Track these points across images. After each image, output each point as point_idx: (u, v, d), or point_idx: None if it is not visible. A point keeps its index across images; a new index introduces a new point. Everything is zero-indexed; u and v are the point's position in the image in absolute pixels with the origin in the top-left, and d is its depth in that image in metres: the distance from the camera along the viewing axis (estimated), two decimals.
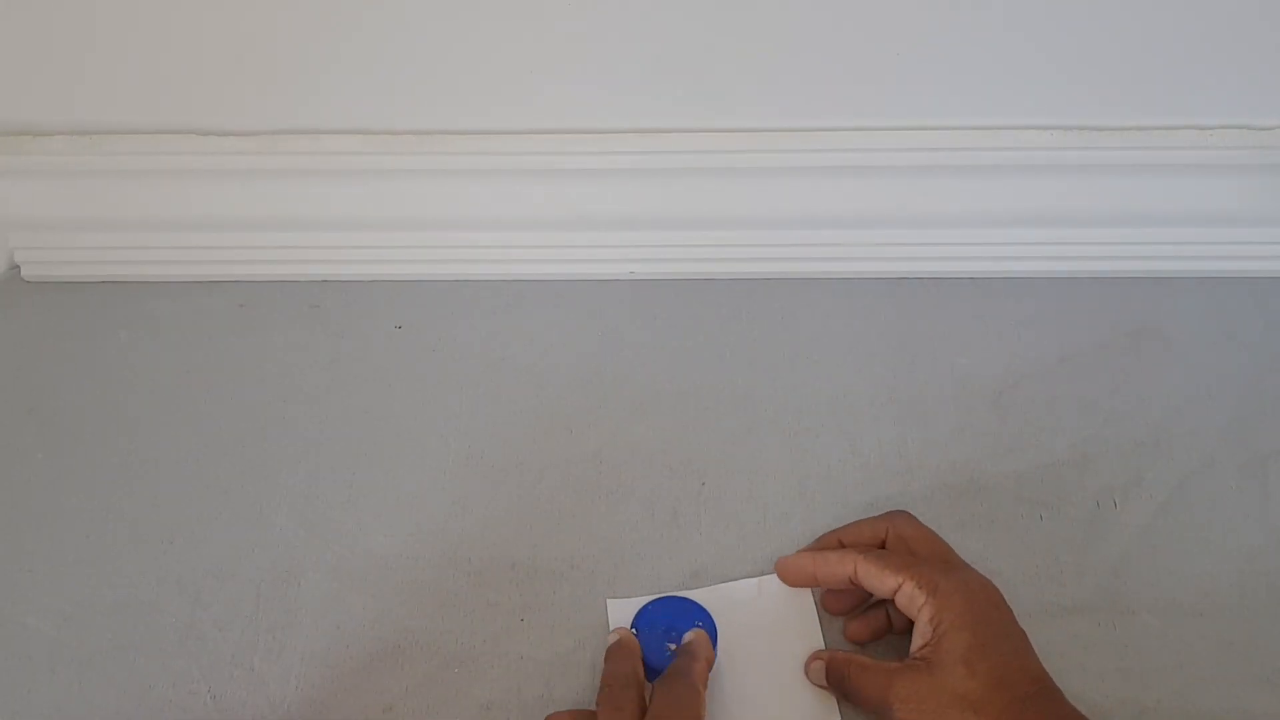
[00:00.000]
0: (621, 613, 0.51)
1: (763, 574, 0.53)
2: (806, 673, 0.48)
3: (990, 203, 0.64)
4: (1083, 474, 0.57)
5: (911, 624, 0.46)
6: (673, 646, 0.48)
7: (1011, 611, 0.45)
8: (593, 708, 0.45)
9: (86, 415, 0.61)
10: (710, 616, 0.49)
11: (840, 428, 0.59)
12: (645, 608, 0.50)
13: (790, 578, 0.51)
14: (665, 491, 0.56)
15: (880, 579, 0.46)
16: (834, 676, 0.47)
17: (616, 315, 0.65)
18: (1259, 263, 0.65)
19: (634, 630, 0.49)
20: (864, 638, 0.49)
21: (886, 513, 0.51)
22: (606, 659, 0.47)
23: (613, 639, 0.48)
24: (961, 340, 0.63)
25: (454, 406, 0.61)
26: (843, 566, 0.48)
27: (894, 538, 0.49)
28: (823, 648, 0.50)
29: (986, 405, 0.60)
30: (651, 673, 0.48)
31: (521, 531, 0.55)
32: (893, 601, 0.46)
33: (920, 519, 0.50)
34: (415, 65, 0.59)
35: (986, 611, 0.45)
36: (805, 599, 0.52)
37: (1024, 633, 0.45)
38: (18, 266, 0.68)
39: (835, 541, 0.51)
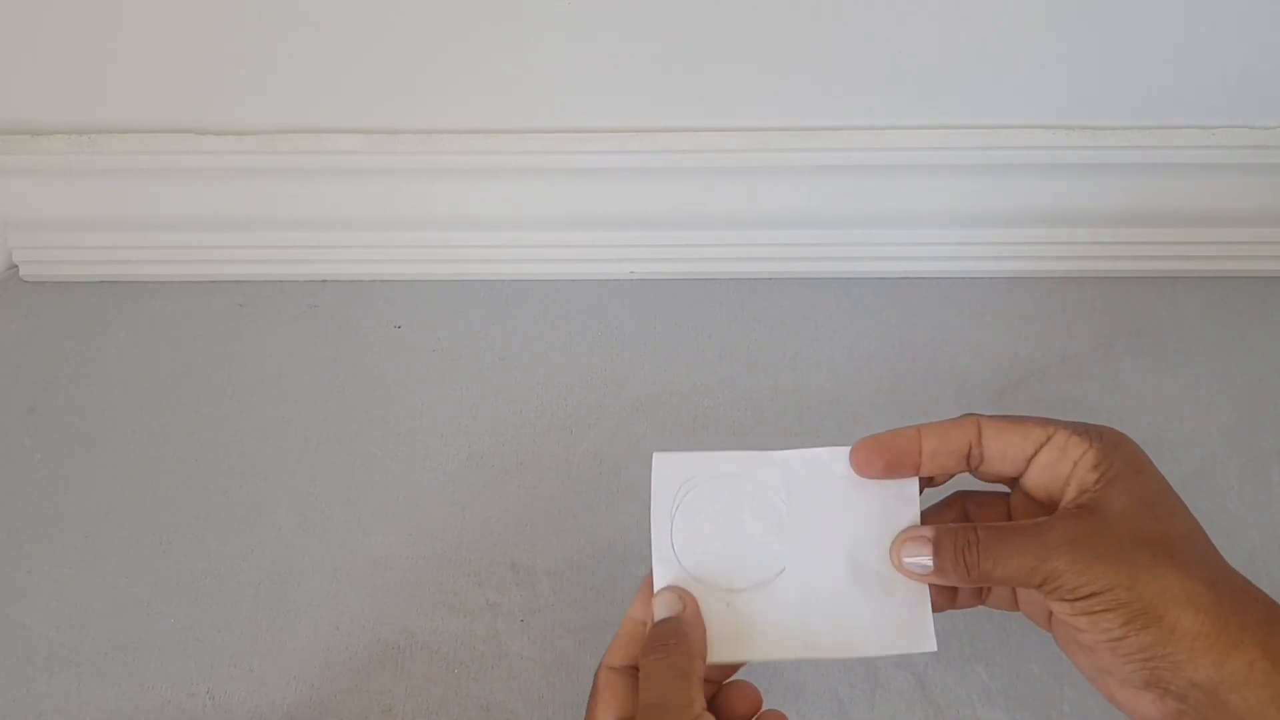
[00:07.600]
0: (670, 475, 0.39)
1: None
2: (898, 556, 0.37)
3: (990, 203, 0.64)
4: None
5: (1043, 508, 0.35)
6: None
7: None
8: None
9: (86, 415, 0.61)
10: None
11: (840, 428, 0.59)
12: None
13: (874, 462, 0.37)
14: None
15: (1021, 433, 0.35)
16: (947, 555, 0.35)
17: (616, 315, 0.65)
18: (1259, 262, 0.65)
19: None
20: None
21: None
22: (646, 652, 0.34)
23: (661, 606, 0.34)
24: (961, 340, 0.63)
25: (454, 406, 0.60)
26: (961, 433, 0.36)
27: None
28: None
29: (987, 405, 0.60)
30: None
31: (521, 531, 0.55)
32: (1014, 488, 0.36)
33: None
34: (414, 65, 0.59)
35: (1161, 479, 0.35)
36: (906, 480, 0.40)
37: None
38: (16, 266, 0.68)
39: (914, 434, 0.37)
